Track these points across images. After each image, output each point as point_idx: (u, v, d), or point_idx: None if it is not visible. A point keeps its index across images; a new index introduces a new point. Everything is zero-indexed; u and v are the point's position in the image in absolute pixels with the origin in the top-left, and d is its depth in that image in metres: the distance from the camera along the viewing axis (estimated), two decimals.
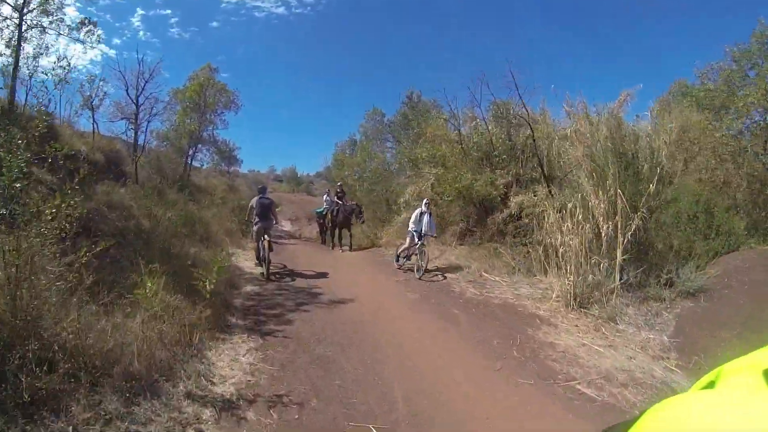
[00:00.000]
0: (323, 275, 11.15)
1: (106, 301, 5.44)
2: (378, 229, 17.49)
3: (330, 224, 16.84)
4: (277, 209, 13.34)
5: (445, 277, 10.93)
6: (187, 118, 20.22)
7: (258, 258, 11.33)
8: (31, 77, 13.37)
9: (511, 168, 13.38)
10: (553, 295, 8.55)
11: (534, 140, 12.85)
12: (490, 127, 14.60)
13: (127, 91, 18.58)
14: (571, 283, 8.14)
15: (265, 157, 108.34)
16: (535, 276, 9.99)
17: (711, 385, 0.85)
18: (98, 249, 5.02)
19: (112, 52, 50.39)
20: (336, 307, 8.41)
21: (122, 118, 18.81)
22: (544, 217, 9.47)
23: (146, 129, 19.93)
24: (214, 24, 61.86)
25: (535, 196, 11.93)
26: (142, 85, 18.42)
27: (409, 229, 11.52)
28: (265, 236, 10.88)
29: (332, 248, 16.32)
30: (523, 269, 10.43)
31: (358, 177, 20.47)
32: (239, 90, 22.65)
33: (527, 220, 11.25)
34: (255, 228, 11.23)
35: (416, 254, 11.47)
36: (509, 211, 12.47)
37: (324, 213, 17.58)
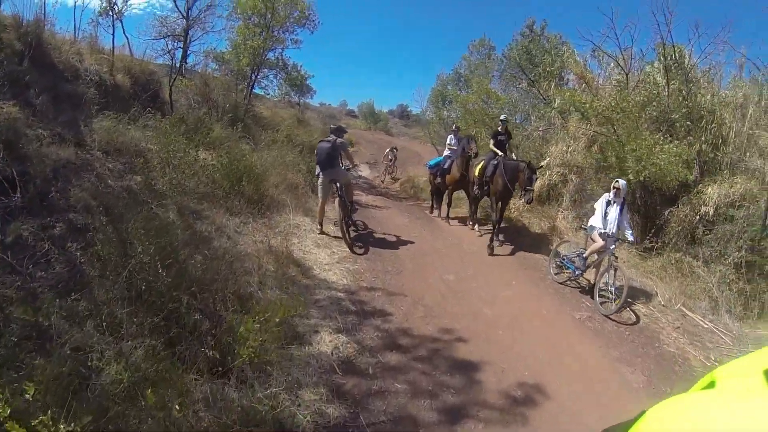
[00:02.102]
0: (458, 297, 6.63)
1: None
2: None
3: (477, 191, 10.18)
4: (351, 149, 10.11)
5: (638, 318, 6.75)
6: (251, 33, 15.52)
7: (322, 224, 8.73)
8: None
9: (694, 142, 9.19)
10: None
11: None
12: (659, 78, 10.40)
13: (175, 2, 14.38)
14: None
15: (336, 89, 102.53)
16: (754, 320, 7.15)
17: (711, 385, 0.84)
18: None
19: None
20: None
21: (168, 36, 14.53)
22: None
23: (199, 49, 15.74)
24: None
25: (731, 188, 8.45)
26: None
27: (591, 224, 7.39)
28: (337, 191, 8.39)
29: (475, 228, 10.58)
30: (730, 305, 7.24)
31: (473, 121, 15.35)
32: (316, 3, 17.37)
33: (729, 225, 8.12)
34: (319, 181, 8.66)
35: (597, 267, 7.38)
36: (706, 208, 8.54)
37: (447, 167, 11.31)
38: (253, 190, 8.28)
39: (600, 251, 7.18)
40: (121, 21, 11.81)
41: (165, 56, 14.05)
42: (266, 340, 3.71)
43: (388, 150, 21.25)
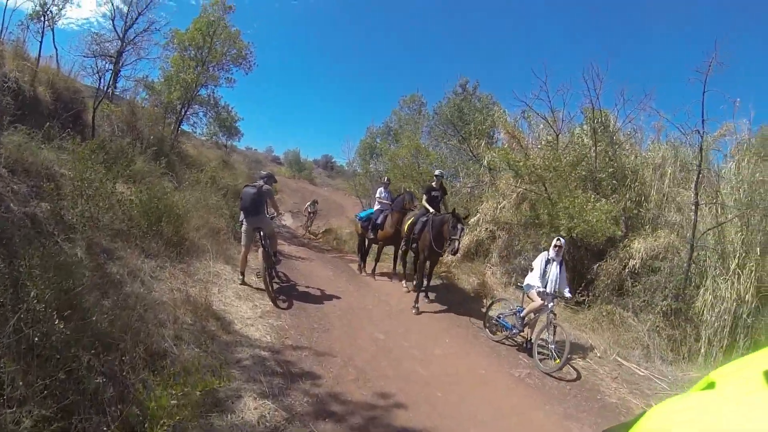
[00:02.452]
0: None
1: None
2: None
3: (404, 247, 10.15)
4: (276, 197, 9.37)
5: (578, 373, 6.67)
6: (185, 66, 14.92)
7: (244, 274, 8.11)
8: None
9: (620, 199, 9.70)
10: None
11: None
12: (586, 140, 10.98)
13: (113, 21, 13.82)
14: None
15: (263, 134, 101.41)
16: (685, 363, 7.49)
17: (711, 385, 0.84)
18: None
19: None
20: None
21: (99, 56, 13.78)
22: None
23: (131, 75, 15.05)
24: None
25: (655, 241, 8.92)
26: (135, 15, 13.67)
27: (528, 282, 7.27)
28: (261, 240, 7.86)
29: (403, 284, 10.14)
30: (662, 352, 7.61)
31: (401, 175, 15.37)
32: (254, 44, 17.16)
33: (655, 276, 8.47)
34: (243, 228, 8.13)
35: (533, 325, 7.32)
36: (633, 262, 8.87)
37: (381, 222, 10.77)
38: (173, 232, 7.57)
39: (538, 310, 7.02)
40: (52, 29, 11.07)
41: (94, 77, 13.34)
42: (184, 418, 3.10)
43: (308, 203, 21.19)
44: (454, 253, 8.48)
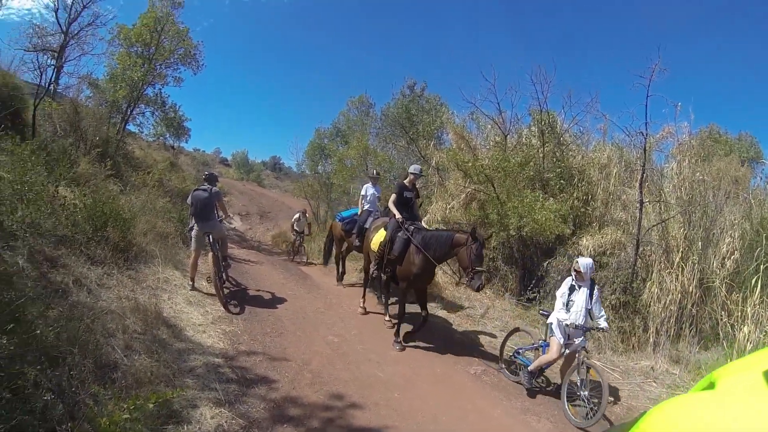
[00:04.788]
0: None
1: None
2: None
3: (374, 271, 7.76)
4: (224, 199, 8.97)
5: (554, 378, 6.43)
6: (132, 63, 14.22)
7: (194, 279, 7.81)
8: None
9: (567, 198, 10.03)
10: None
11: None
12: (534, 141, 11.31)
13: (56, 12, 13.02)
14: None
15: (211, 135, 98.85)
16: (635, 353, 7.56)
17: (711, 386, 0.85)
18: None
19: None
20: None
21: (41, 50, 13.02)
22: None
23: (75, 72, 14.22)
24: None
25: (603, 238, 9.21)
26: (79, 7, 12.98)
27: (550, 321, 5.86)
28: (210, 245, 7.59)
29: (386, 318, 8.19)
30: (612, 343, 7.69)
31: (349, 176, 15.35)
32: (203, 43, 16.62)
33: (603, 271, 8.54)
34: (192, 233, 7.86)
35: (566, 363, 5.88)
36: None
37: (367, 225, 8.86)
38: (120, 237, 7.17)
39: (552, 362, 5.79)
40: None
41: (35, 72, 12.53)
42: None
43: (294, 217, 15.20)
44: (478, 289, 6.44)
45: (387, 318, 8.11)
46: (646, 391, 6.33)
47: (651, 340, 7.63)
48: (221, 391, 4.42)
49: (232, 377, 4.89)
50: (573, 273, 5.83)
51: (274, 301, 8.31)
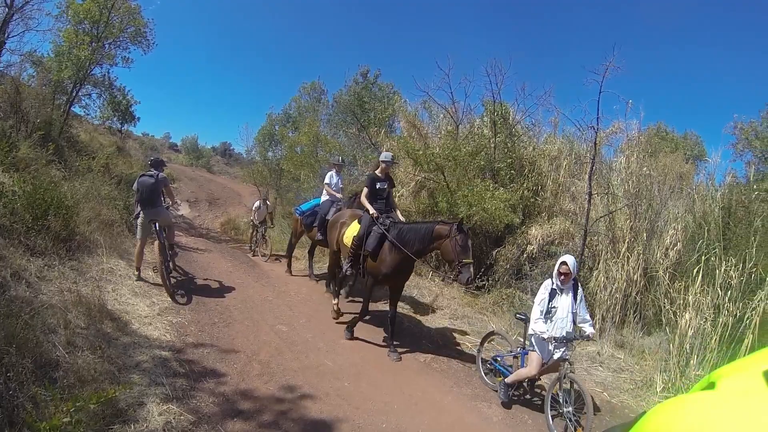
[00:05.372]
0: None
1: None
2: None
3: (348, 269, 7.01)
4: (172, 185, 8.95)
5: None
6: (79, 41, 13.44)
7: (140, 269, 7.56)
8: None
9: (518, 189, 10.28)
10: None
11: None
12: (486, 131, 11.46)
13: None
14: None
15: (160, 120, 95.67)
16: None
17: (711, 386, 0.84)
18: None
19: None
20: None
21: None
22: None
23: (17, 48, 13.20)
24: None
25: (551, 228, 9.60)
26: None
27: (530, 333, 5.31)
28: (157, 233, 7.44)
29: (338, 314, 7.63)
30: None
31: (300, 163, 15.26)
32: (155, 21, 15.80)
33: (552, 260, 8.52)
34: (138, 221, 7.56)
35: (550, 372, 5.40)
36: (530, 247, 9.51)
37: (330, 217, 8.45)
38: (62, 226, 6.90)
39: (536, 374, 5.24)
40: None
41: None
42: None
43: (257, 202, 13.69)
44: (467, 282, 6.06)
45: (335, 304, 7.64)
46: (593, 375, 6.63)
47: (597, 326, 7.90)
48: (169, 386, 4.37)
49: (180, 371, 4.83)
50: (556, 276, 5.15)
51: (222, 290, 8.20)
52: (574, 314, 5.09)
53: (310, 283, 9.75)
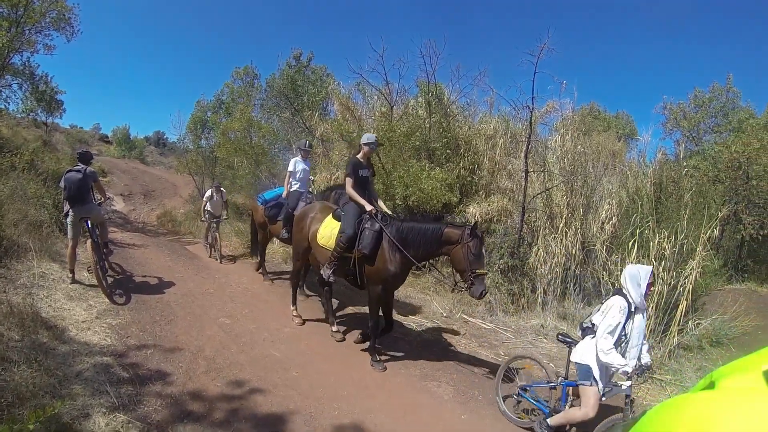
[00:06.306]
0: None
1: None
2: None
3: (330, 272, 5.92)
4: (103, 179, 8.02)
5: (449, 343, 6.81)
6: None
7: (74, 271, 7.13)
8: None
9: (454, 168, 10.26)
10: None
11: None
12: (421, 111, 11.26)
13: None
14: None
15: (89, 110, 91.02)
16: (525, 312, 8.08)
17: (711, 386, 0.84)
18: None
19: None
20: None
21: None
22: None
23: None
24: None
25: (489, 206, 9.62)
26: None
27: (586, 362, 3.97)
28: (89, 231, 7.01)
29: (333, 328, 6.61)
30: (503, 305, 8.10)
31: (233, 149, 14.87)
32: (80, 6, 14.54)
33: (491, 237, 8.72)
34: (68, 220, 7.08)
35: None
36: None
37: (297, 212, 7.36)
38: None
39: (594, 417, 3.86)
40: None
41: None
42: None
43: (209, 191, 11.81)
44: (481, 296, 5.13)
45: (335, 329, 6.55)
46: (538, 347, 6.86)
47: (539, 300, 8.18)
48: (114, 393, 4.13)
49: (124, 376, 4.58)
50: (640, 292, 3.88)
51: (161, 286, 7.91)
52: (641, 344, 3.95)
53: (251, 273, 9.54)
